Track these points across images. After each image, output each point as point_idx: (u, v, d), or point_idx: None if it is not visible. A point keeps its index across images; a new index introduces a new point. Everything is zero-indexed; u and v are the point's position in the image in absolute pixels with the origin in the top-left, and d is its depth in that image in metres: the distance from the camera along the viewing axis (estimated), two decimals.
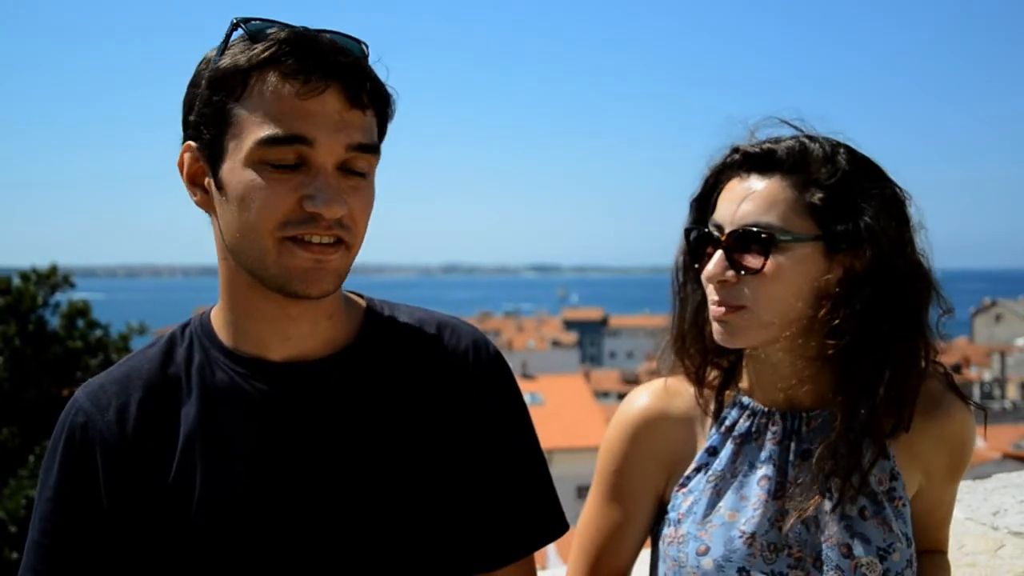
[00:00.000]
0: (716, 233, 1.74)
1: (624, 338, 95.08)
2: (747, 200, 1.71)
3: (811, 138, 1.75)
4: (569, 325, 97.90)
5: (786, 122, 1.80)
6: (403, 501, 1.53)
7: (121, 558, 1.45)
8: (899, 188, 1.76)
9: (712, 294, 1.75)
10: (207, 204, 1.48)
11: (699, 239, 1.78)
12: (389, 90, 1.51)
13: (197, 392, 1.51)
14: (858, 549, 1.69)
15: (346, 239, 1.44)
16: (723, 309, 1.72)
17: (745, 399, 1.84)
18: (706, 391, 1.88)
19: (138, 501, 1.45)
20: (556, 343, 76.73)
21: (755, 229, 1.69)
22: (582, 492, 31.10)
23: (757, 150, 1.75)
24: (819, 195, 1.70)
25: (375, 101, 1.47)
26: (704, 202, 1.82)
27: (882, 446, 1.75)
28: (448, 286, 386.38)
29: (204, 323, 1.58)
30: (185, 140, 1.47)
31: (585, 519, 1.94)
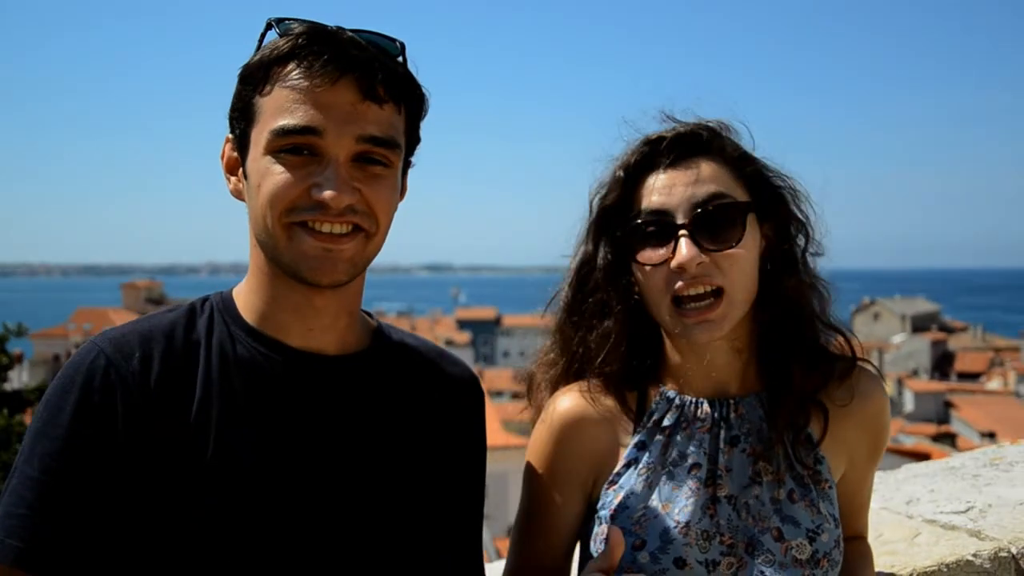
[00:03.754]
0: (673, 221, 1.70)
1: (517, 337, 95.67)
2: (696, 181, 1.70)
3: (707, 122, 1.79)
4: (462, 324, 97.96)
5: (669, 117, 1.81)
6: (390, 501, 1.61)
7: (123, 501, 1.45)
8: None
9: (683, 288, 1.70)
10: (240, 194, 1.58)
11: (645, 233, 1.73)
12: (417, 88, 1.58)
13: (217, 361, 1.56)
14: (788, 532, 1.71)
15: (365, 226, 1.52)
16: (703, 306, 1.69)
17: (671, 393, 1.83)
18: (628, 394, 1.87)
19: (154, 450, 1.47)
20: (450, 342, 76.66)
21: (726, 201, 1.69)
22: None
23: (674, 135, 1.75)
24: (750, 167, 1.75)
25: (397, 96, 1.53)
26: (624, 202, 1.78)
27: (805, 430, 1.80)
28: None
29: (226, 300, 1.64)
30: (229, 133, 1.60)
31: (519, 521, 1.93)
